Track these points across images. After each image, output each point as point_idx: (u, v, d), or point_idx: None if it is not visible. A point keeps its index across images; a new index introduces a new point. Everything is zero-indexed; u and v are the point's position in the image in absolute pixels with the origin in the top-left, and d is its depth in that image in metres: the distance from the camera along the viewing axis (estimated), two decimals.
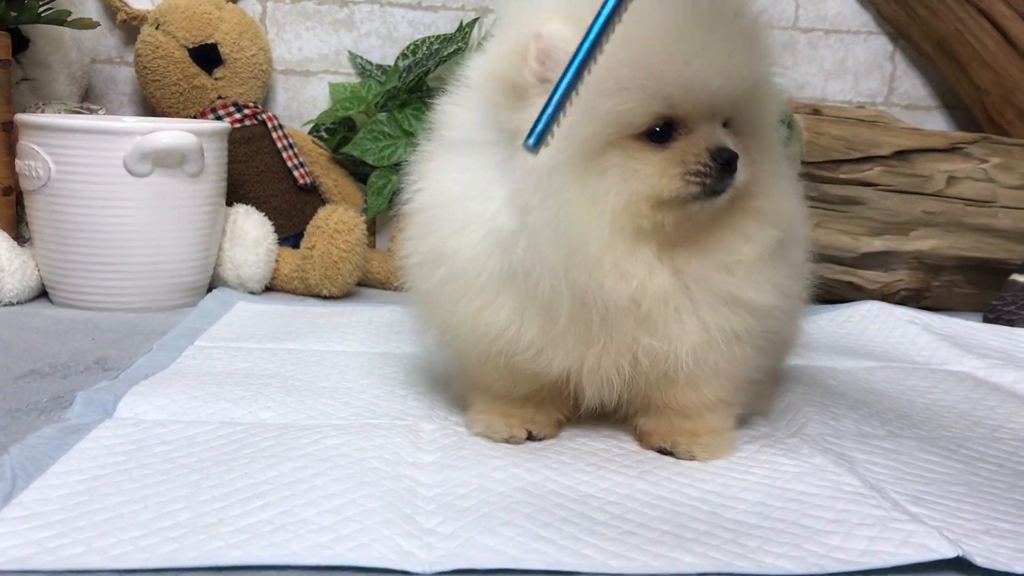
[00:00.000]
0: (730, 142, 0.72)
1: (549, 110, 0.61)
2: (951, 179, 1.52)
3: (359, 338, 1.16)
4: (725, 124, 0.75)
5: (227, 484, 0.68)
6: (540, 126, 0.61)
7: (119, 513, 0.63)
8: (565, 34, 0.68)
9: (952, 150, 1.54)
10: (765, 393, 0.93)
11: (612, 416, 0.85)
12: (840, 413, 0.93)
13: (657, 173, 0.71)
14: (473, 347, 0.79)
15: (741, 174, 0.73)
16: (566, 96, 0.61)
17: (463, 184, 0.77)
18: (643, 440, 0.83)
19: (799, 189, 0.87)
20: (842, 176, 1.50)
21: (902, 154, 1.52)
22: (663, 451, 0.81)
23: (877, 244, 1.50)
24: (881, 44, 1.77)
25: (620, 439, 0.84)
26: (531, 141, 0.61)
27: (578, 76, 0.61)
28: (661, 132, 0.71)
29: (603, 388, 0.78)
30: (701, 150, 0.71)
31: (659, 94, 0.69)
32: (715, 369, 0.78)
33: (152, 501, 0.65)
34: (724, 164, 0.71)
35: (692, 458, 0.79)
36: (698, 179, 0.71)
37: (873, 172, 1.50)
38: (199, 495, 0.66)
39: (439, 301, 0.79)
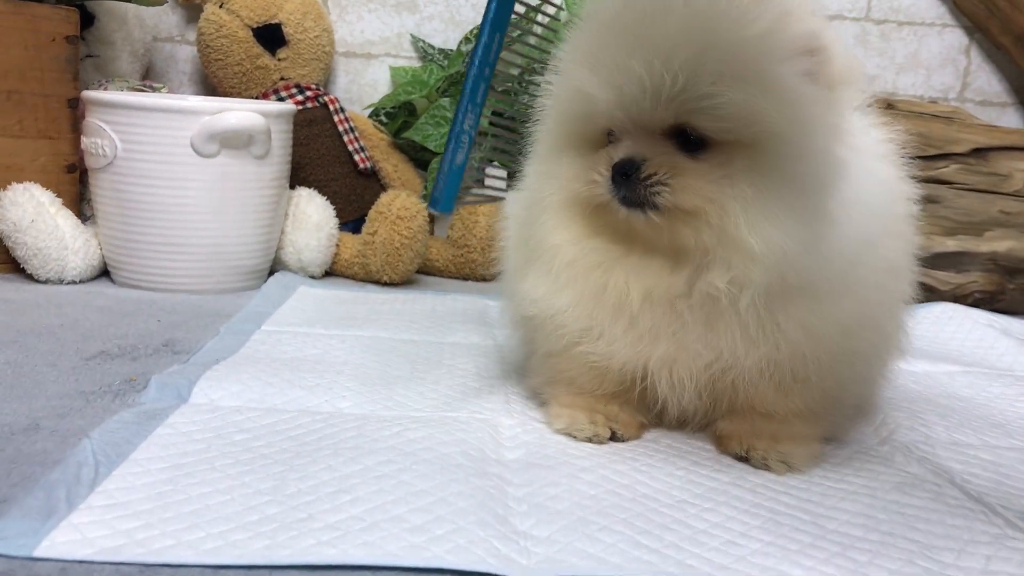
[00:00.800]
0: (647, 154, 0.70)
1: (443, 178, 0.76)
2: None
3: (425, 327, 1.14)
4: (695, 143, 0.70)
5: (312, 477, 0.66)
6: (438, 192, 0.76)
7: (205, 505, 0.61)
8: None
9: None
10: (866, 403, 0.90)
11: (693, 421, 0.82)
12: (929, 420, 0.90)
13: (571, 177, 0.75)
14: (554, 333, 0.78)
15: (666, 194, 0.69)
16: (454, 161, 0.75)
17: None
18: (721, 443, 0.79)
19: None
20: (917, 174, 1.45)
21: (979, 152, 1.47)
22: (739, 457, 0.77)
23: (951, 244, 1.45)
24: (956, 37, 1.72)
25: (707, 443, 0.81)
26: (437, 208, 0.75)
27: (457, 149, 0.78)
28: (607, 139, 0.74)
29: (676, 390, 0.75)
30: (605, 160, 0.72)
31: (593, 109, 0.72)
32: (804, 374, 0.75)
33: (237, 493, 0.63)
34: (619, 175, 0.71)
35: (766, 468, 0.75)
36: (602, 187, 0.72)
37: (949, 170, 1.46)
38: (285, 488, 0.64)
39: (522, 284, 0.81)
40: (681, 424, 0.83)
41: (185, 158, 1.20)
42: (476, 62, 0.72)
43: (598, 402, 0.81)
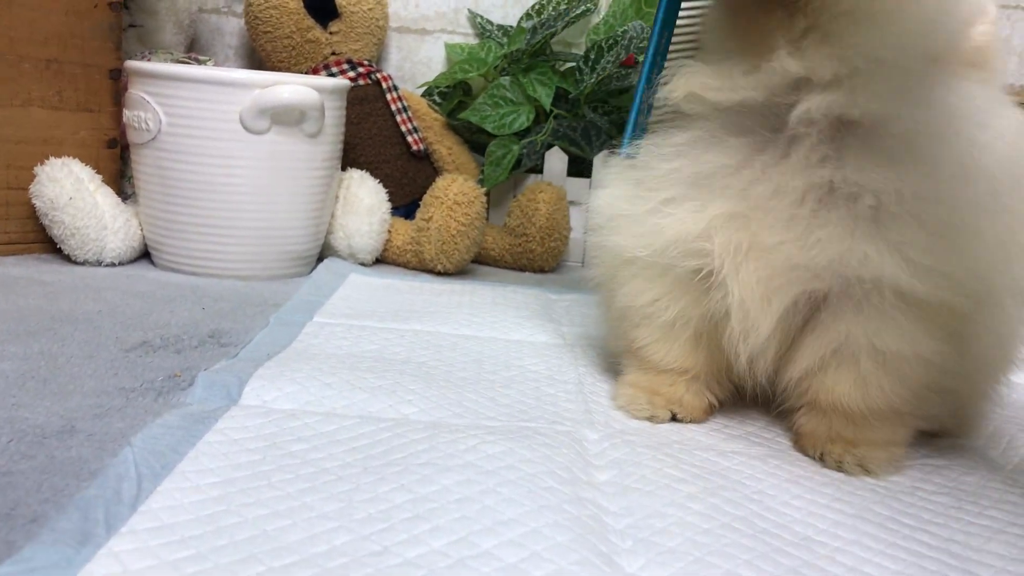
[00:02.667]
0: None
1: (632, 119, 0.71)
2: None
3: (488, 322, 1.05)
4: None
5: (383, 499, 0.57)
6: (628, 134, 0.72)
7: (263, 531, 0.53)
8: None
9: None
10: (969, 413, 0.81)
11: (773, 407, 0.77)
12: None
13: None
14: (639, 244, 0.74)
15: None
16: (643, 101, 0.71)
17: None
18: (797, 440, 0.75)
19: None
20: None
21: None
22: (814, 459, 0.72)
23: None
24: None
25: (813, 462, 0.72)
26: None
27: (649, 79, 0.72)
28: None
29: (750, 315, 0.69)
30: None
31: None
32: (881, 352, 0.68)
33: (299, 517, 0.54)
34: None
35: (840, 469, 0.70)
36: None
37: None
38: (353, 511, 0.56)
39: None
40: (759, 400, 0.79)
41: (233, 134, 1.12)
42: (659, 24, 0.70)
43: (663, 382, 0.78)
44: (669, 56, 0.77)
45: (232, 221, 1.15)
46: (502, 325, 1.04)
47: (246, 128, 1.12)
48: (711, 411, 0.80)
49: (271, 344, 0.89)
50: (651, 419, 0.77)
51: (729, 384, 0.79)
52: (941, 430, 0.79)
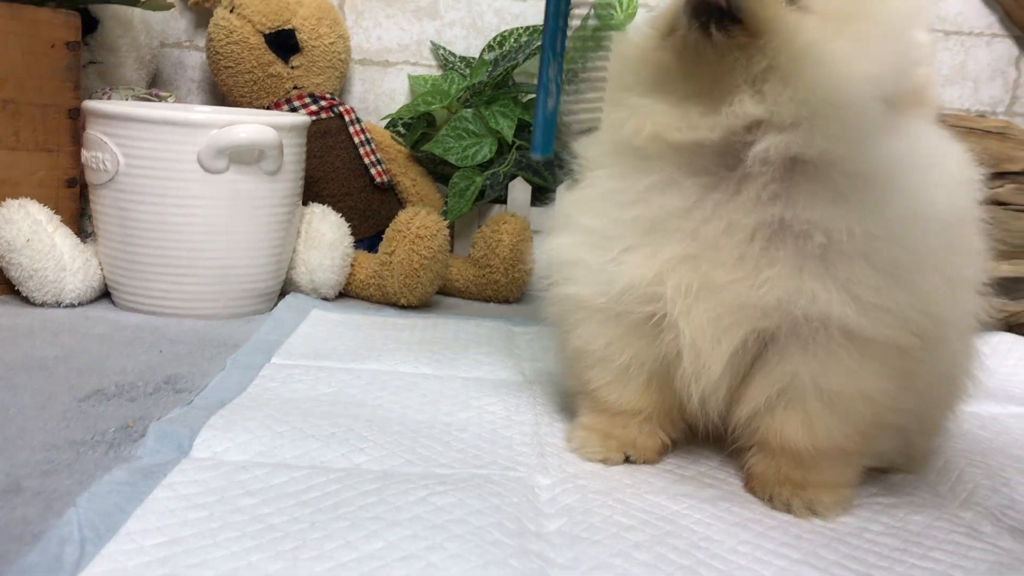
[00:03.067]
0: None
1: (539, 126, 0.71)
2: None
3: (448, 359, 1.05)
4: None
5: (329, 557, 0.58)
6: (536, 140, 0.72)
7: None
8: None
9: None
10: (919, 447, 0.82)
11: (726, 446, 0.78)
12: (1011, 478, 0.81)
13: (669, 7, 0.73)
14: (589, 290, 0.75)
15: (753, 7, 0.66)
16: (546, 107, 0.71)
17: None
18: (748, 481, 0.75)
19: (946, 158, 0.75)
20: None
21: None
22: (763, 500, 0.73)
23: (1005, 269, 1.36)
24: (1006, 48, 1.63)
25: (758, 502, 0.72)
26: (537, 152, 0.70)
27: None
28: None
29: (701, 356, 0.70)
30: None
31: None
32: (828, 392, 0.69)
33: None
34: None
35: (788, 511, 0.71)
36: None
37: (1004, 190, 1.37)
38: (297, 571, 0.56)
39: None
40: (711, 439, 0.80)
41: (192, 174, 1.12)
42: (551, 14, 0.70)
43: (617, 424, 0.79)
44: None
45: (192, 260, 1.15)
46: (462, 362, 1.05)
47: (204, 168, 1.12)
48: (665, 450, 0.81)
49: (226, 389, 0.88)
50: (604, 462, 0.78)
51: (682, 423, 0.80)
52: (891, 466, 0.80)
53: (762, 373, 0.71)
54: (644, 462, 0.79)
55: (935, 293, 0.68)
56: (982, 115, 1.62)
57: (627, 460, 0.78)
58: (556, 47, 0.77)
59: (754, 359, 0.71)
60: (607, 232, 0.73)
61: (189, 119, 1.11)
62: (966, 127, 1.41)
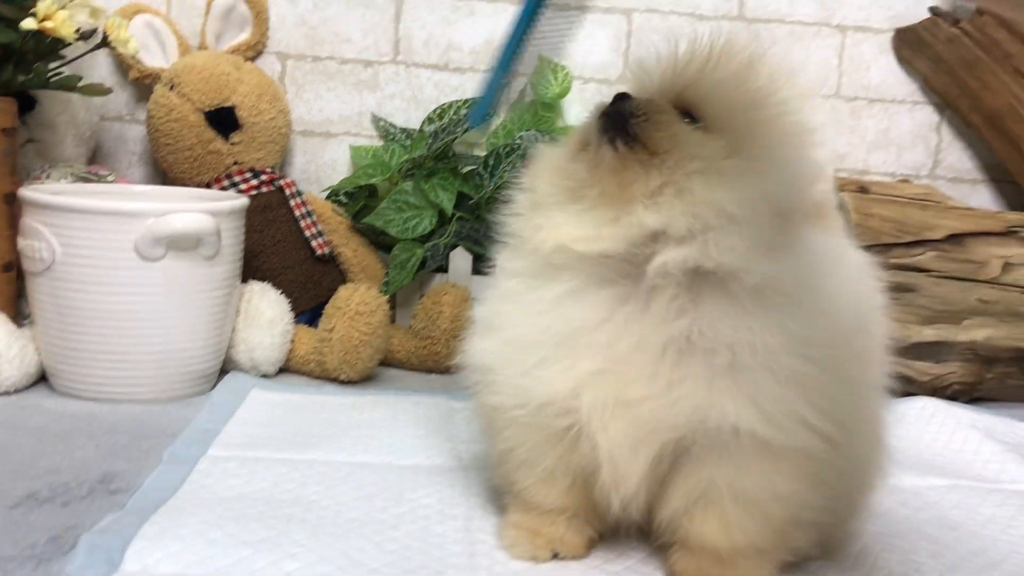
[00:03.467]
0: (649, 103, 0.73)
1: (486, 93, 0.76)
2: (1007, 265, 1.43)
3: (385, 444, 1.07)
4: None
5: None
6: (479, 108, 0.78)
7: None
8: None
9: (1008, 233, 1.46)
10: (835, 537, 0.85)
11: (652, 540, 0.80)
12: (921, 561, 0.84)
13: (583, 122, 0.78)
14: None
15: (645, 123, 0.71)
16: (499, 78, 0.76)
17: None
18: None
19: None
20: (893, 261, 1.42)
21: (955, 237, 1.44)
22: None
23: (928, 333, 1.42)
24: (927, 115, 1.69)
25: None
26: (472, 123, 0.76)
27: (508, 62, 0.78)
28: None
29: (619, 469, 0.73)
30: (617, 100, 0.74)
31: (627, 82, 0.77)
32: (742, 495, 0.72)
33: None
34: (617, 103, 0.73)
35: None
36: (600, 113, 0.74)
37: (925, 257, 1.42)
38: None
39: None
40: (639, 533, 0.82)
41: (129, 262, 1.13)
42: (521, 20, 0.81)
43: (544, 521, 0.80)
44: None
45: (130, 347, 1.16)
46: (399, 447, 1.06)
47: (141, 256, 1.13)
48: (592, 545, 0.83)
49: (161, 489, 0.89)
50: (533, 559, 0.80)
51: (609, 519, 0.82)
52: (808, 557, 0.82)
53: (680, 478, 0.74)
54: (572, 558, 0.81)
55: (838, 400, 0.72)
56: (906, 179, 1.67)
57: (555, 556, 0.80)
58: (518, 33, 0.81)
59: (671, 466, 0.74)
60: (523, 342, 0.75)
61: (125, 209, 1.13)
62: (889, 196, 1.47)
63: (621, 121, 0.72)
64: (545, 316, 0.74)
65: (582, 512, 0.80)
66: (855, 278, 0.79)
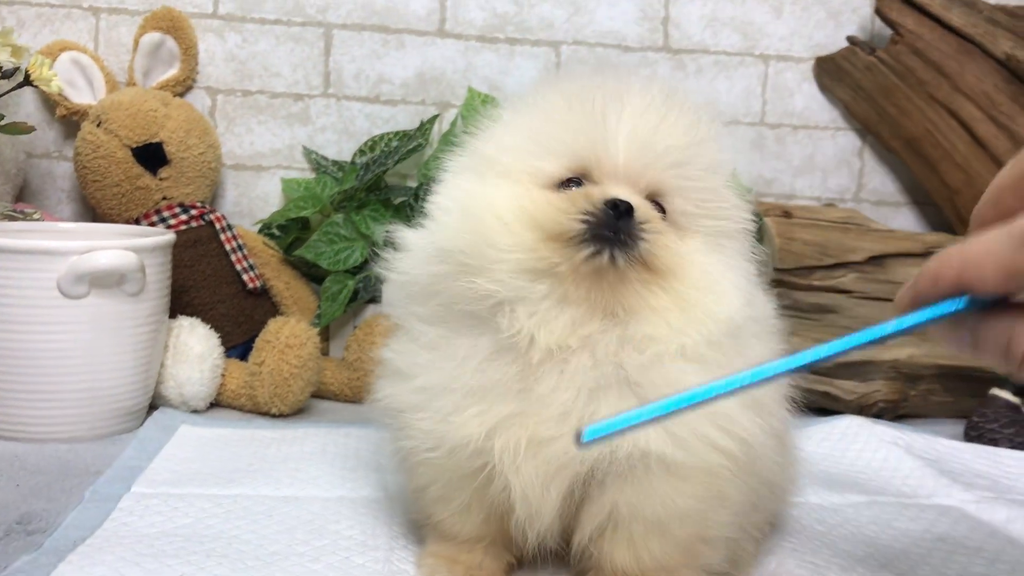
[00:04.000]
0: (638, 202, 0.71)
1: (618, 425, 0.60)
2: None
3: (312, 477, 1.07)
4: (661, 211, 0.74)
5: None
6: (600, 431, 0.60)
7: None
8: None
9: (926, 254, 1.50)
10: (745, 551, 0.87)
11: (571, 567, 0.81)
12: None
13: (545, 204, 0.71)
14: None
15: (649, 243, 0.70)
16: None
17: None
18: None
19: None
20: (815, 283, 1.46)
21: (876, 259, 1.48)
22: None
23: (853, 353, 1.45)
24: (849, 140, 1.74)
25: None
26: (585, 438, 0.59)
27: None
28: (568, 184, 0.73)
29: (531, 501, 0.73)
30: (597, 197, 0.70)
31: (573, 156, 0.73)
32: (646, 517, 0.73)
33: None
34: (616, 212, 0.69)
35: None
36: (585, 218, 0.69)
37: (847, 279, 1.46)
38: None
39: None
40: (558, 558, 0.82)
41: (51, 301, 1.13)
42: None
43: (462, 550, 0.81)
44: None
45: (54, 386, 1.15)
46: (326, 480, 1.06)
47: (64, 294, 1.12)
48: (511, 570, 0.84)
49: (81, 527, 0.89)
50: None
51: (526, 547, 0.83)
52: (721, 574, 0.84)
53: (587, 505, 0.75)
54: None
55: (739, 417, 0.74)
56: (831, 203, 1.72)
57: None
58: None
59: (581, 495, 0.75)
60: (436, 390, 0.74)
61: (46, 247, 1.12)
62: (812, 220, 1.50)
63: (625, 236, 0.69)
64: (461, 369, 0.74)
65: (499, 540, 0.81)
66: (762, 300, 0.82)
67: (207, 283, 1.46)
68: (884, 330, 0.58)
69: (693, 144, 0.73)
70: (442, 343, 0.75)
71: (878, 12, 1.64)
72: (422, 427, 0.75)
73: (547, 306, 0.71)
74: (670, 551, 0.75)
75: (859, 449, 1.28)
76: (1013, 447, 1.29)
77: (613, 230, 0.69)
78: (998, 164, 1.60)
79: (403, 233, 0.78)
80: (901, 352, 1.45)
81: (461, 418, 0.73)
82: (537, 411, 0.72)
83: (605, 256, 0.69)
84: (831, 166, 1.74)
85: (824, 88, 1.72)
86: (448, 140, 1.60)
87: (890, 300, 1.46)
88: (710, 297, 0.72)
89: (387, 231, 0.80)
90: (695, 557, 0.78)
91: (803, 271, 1.45)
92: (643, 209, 0.71)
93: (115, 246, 1.15)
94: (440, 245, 0.74)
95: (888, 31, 1.64)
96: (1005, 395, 1.35)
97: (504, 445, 0.72)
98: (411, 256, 0.77)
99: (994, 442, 1.31)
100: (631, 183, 0.72)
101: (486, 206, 0.72)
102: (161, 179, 1.47)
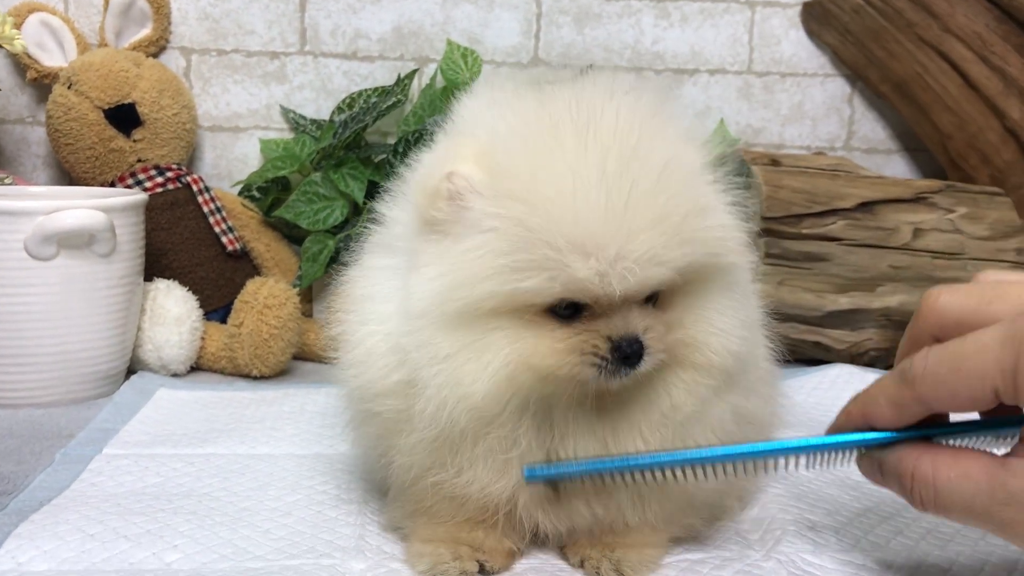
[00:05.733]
0: (640, 325, 0.65)
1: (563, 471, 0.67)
2: (917, 231, 1.45)
3: (288, 436, 1.05)
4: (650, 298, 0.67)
5: None
6: (545, 472, 0.66)
7: None
8: (474, 175, 0.64)
9: (917, 200, 1.47)
10: (730, 509, 0.85)
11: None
12: (817, 521, 0.84)
13: (549, 349, 0.64)
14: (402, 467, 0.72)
15: (651, 358, 0.65)
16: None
17: (373, 283, 0.73)
18: (563, 549, 0.76)
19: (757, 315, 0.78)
20: (804, 231, 1.43)
21: (866, 205, 1.45)
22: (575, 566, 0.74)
23: (843, 302, 1.42)
24: (839, 87, 1.71)
25: None
26: (527, 474, 0.65)
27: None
28: (565, 309, 0.64)
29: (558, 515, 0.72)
30: (602, 338, 0.64)
31: (565, 278, 0.61)
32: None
33: None
34: (625, 357, 0.64)
35: (596, 574, 0.72)
36: (594, 361, 0.64)
37: (836, 226, 1.43)
38: None
39: (354, 395, 0.75)
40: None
41: (20, 262, 1.10)
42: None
43: (460, 530, 0.74)
44: None
45: (26, 349, 1.13)
46: (302, 438, 1.05)
47: (32, 255, 1.10)
48: (514, 556, 0.76)
49: (48, 488, 0.87)
50: (463, 574, 0.72)
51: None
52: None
53: None
54: (499, 570, 0.73)
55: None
56: (821, 152, 1.69)
57: (482, 570, 0.73)
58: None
59: None
60: None
61: (11, 208, 1.10)
62: (800, 167, 1.47)
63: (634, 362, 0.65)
64: None
65: (500, 524, 0.73)
66: None
67: (185, 246, 1.43)
68: (797, 444, 0.67)
69: (689, 215, 0.64)
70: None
71: None
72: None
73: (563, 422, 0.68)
74: (657, 515, 0.73)
75: (849, 397, 1.26)
76: None
77: (627, 366, 0.64)
78: (990, 107, 1.57)
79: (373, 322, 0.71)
80: (892, 300, 1.43)
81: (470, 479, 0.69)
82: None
83: (616, 383, 0.65)
84: (820, 114, 1.71)
85: (811, 33, 1.69)
86: (429, 95, 1.57)
87: (880, 247, 1.44)
88: (716, 355, 0.68)
89: None
90: (681, 521, 0.77)
91: (792, 219, 1.42)
92: (649, 333, 0.65)
93: (83, 206, 1.12)
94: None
95: None
96: None
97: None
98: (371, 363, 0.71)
99: None
100: (632, 299, 0.65)
101: (483, 368, 0.64)
102: (135, 141, 1.44)
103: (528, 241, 0.61)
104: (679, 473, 0.67)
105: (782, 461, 0.67)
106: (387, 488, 0.82)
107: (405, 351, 0.67)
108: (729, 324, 0.69)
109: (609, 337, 0.64)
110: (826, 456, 0.68)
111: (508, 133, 0.65)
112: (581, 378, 0.65)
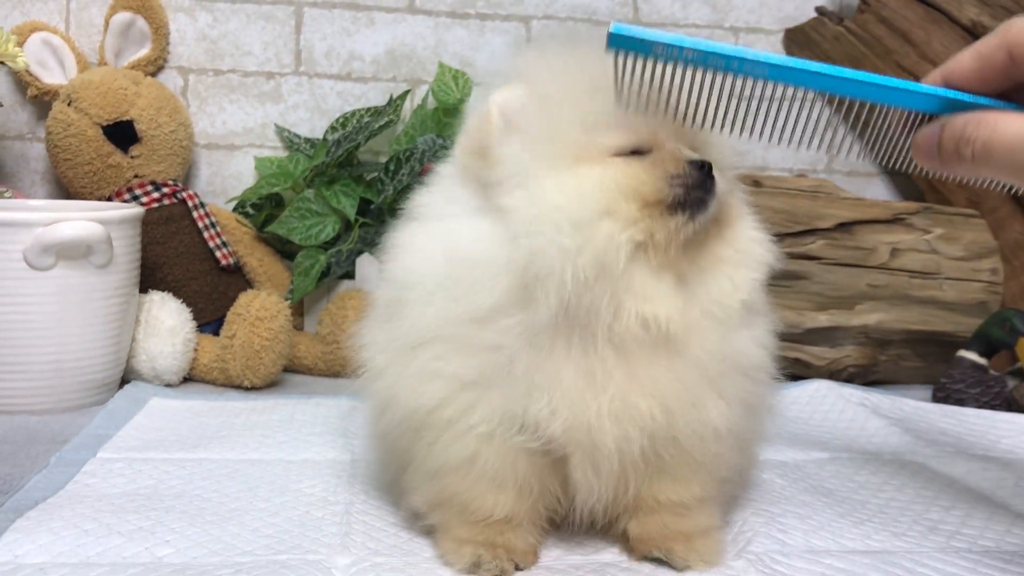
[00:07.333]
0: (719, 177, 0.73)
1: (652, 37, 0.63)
2: (895, 251, 1.49)
3: (278, 442, 1.08)
4: None
5: None
6: (635, 33, 0.64)
7: None
8: (518, 93, 0.72)
9: (894, 221, 1.51)
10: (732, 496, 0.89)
11: (594, 527, 0.80)
12: (788, 524, 0.87)
13: (639, 172, 0.70)
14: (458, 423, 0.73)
15: (718, 192, 0.72)
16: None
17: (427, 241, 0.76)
18: (633, 548, 0.79)
19: None
20: (785, 250, 1.45)
21: (844, 226, 1.48)
22: (657, 560, 0.77)
23: (823, 319, 1.46)
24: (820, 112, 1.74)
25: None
26: (615, 30, 0.64)
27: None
28: (636, 152, 0.72)
29: (603, 468, 0.73)
30: (679, 159, 0.71)
31: (631, 125, 0.71)
32: (714, 455, 0.76)
33: None
34: (703, 172, 0.71)
35: (687, 567, 0.76)
36: (680, 181, 0.70)
37: (816, 245, 1.47)
38: None
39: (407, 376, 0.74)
40: (583, 527, 0.80)
41: (18, 272, 1.13)
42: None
43: (493, 530, 0.75)
44: None
45: (23, 357, 1.16)
46: (291, 444, 1.07)
47: (31, 265, 1.13)
48: (537, 554, 0.79)
49: (43, 488, 0.89)
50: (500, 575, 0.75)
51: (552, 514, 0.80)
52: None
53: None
54: (529, 566, 0.76)
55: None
56: (803, 174, 1.73)
57: (517, 568, 0.76)
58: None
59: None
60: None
61: (11, 219, 1.13)
62: (781, 188, 1.51)
63: (709, 196, 0.71)
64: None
65: (529, 518, 0.77)
66: None
67: (180, 260, 1.46)
68: (889, 81, 0.63)
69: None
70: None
71: None
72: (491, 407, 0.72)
73: (651, 283, 0.71)
74: (710, 483, 0.78)
75: (826, 411, 1.29)
76: (979, 406, 1.31)
77: (705, 189, 0.71)
78: None
79: (460, 245, 0.72)
80: (870, 318, 1.46)
81: (564, 401, 0.71)
82: (638, 398, 0.72)
83: (698, 222, 0.71)
84: None
85: None
86: (421, 116, 1.61)
87: (859, 266, 1.48)
88: (759, 246, 0.78)
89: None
90: (720, 492, 0.82)
91: (773, 239, 1.45)
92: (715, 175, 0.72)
93: (81, 218, 1.15)
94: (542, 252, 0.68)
95: (855, 0, 1.64)
96: (972, 356, 1.36)
97: (597, 432, 0.71)
98: (476, 274, 0.71)
99: (961, 402, 1.32)
100: (687, 142, 0.73)
101: (586, 193, 0.69)
102: (132, 157, 1.47)
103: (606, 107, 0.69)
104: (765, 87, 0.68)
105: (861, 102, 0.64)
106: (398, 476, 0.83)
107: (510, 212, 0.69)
108: (761, 236, 0.80)
109: (685, 158, 0.71)
110: (900, 112, 0.64)
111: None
112: (672, 198, 0.69)
